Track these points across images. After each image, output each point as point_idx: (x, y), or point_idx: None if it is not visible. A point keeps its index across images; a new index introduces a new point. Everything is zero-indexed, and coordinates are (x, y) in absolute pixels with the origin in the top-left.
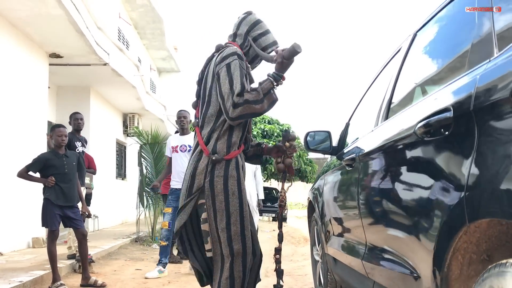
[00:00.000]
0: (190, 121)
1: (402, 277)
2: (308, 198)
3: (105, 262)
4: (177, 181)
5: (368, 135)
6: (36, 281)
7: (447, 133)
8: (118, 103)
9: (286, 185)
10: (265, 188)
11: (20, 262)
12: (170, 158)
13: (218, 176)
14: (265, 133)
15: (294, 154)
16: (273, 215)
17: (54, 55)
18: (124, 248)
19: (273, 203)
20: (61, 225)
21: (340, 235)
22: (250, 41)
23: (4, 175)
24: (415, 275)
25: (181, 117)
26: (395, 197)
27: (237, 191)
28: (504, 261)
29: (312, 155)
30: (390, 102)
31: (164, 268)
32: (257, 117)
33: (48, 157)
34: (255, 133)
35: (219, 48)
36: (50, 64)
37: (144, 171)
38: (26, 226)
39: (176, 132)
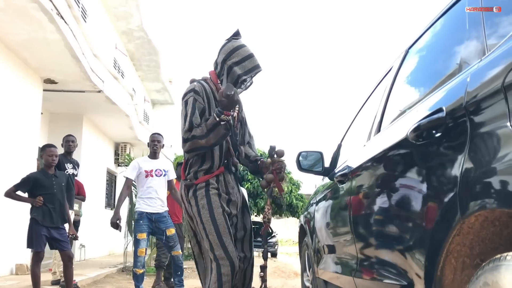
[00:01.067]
0: (163, 145)
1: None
2: (300, 222)
3: None
4: (149, 205)
5: (360, 150)
6: None
7: (439, 134)
8: (110, 131)
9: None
10: (255, 223)
11: None
12: (131, 181)
13: (190, 197)
14: None
15: (286, 169)
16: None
17: (49, 81)
18: (110, 277)
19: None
20: (47, 248)
21: (331, 254)
22: (225, 69)
23: None
24: (408, 283)
25: (154, 141)
26: (387, 205)
27: (206, 205)
28: (498, 255)
29: (303, 191)
30: (382, 117)
31: None
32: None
33: (37, 176)
34: None
35: (192, 82)
36: (44, 90)
37: (134, 199)
38: (9, 252)
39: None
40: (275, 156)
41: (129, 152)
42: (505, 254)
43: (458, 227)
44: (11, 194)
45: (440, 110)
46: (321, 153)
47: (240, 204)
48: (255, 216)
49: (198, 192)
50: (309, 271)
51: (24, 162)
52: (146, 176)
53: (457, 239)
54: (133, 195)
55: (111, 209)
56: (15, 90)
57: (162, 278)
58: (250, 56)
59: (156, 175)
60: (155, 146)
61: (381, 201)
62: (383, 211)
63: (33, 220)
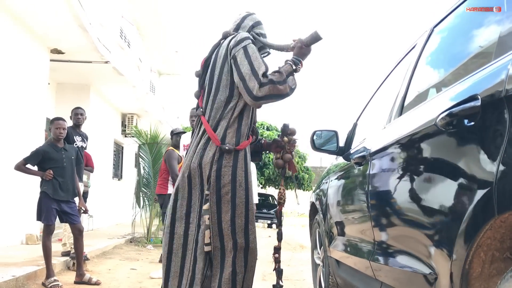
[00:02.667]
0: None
1: (414, 276)
2: (311, 200)
3: (100, 261)
4: None
5: (380, 132)
6: (30, 276)
7: (472, 123)
8: (117, 102)
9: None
10: (261, 194)
11: (13, 257)
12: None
13: (226, 166)
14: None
15: (295, 151)
16: (269, 221)
17: (56, 51)
18: (118, 248)
19: (269, 210)
20: (57, 221)
21: (346, 236)
22: (254, 35)
23: (0, 171)
24: (431, 273)
25: (192, 116)
26: (411, 192)
27: (244, 183)
28: None
29: (309, 163)
30: (404, 99)
31: None
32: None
33: (47, 150)
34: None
35: (226, 35)
36: (51, 60)
37: (142, 171)
38: (20, 223)
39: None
40: (290, 134)
41: (136, 123)
42: None
43: (492, 222)
44: (20, 167)
45: (474, 98)
46: (336, 132)
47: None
48: (261, 188)
49: (239, 162)
50: (319, 249)
51: (32, 133)
52: (184, 150)
53: (488, 233)
54: (141, 168)
55: (118, 180)
56: (22, 59)
57: None
58: (266, 36)
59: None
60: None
61: (404, 188)
62: (406, 199)
63: (43, 194)
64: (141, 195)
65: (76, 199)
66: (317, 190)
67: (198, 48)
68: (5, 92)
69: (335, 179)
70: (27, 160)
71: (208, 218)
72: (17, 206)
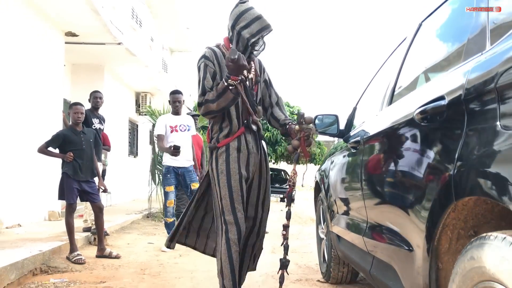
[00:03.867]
0: (184, 101)
1: (398, 251)
2: (315, 179)
3: (119, 236)
4: (175, 159)
5: (373, 120)
6: (55, 251)
7: (441, 119)
8: (131, 82)
9: (302, 167)
10: (273, 170)
11: (38, 233)
12: (162, 136)
13: (214, 159)
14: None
15: (315, 136)
16: (281, 195)
17: (70, 34)
18: (136, 223)
19: (281, 184)
20: (78, 200)
21: (344, 213)
22: (235, 35)
23: (21, 150)
24: (409, 248)
25: (176, 101)
26: (394, 178)
27: (225, 170)
28: (484, 234)
29: (321, 138)
30: (394, 89)
31: None
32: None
33: (67, 133)
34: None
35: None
36: (66, 43)
37: (156, 149)
38: (42, 200)
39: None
40: (304, 123)
41: (150, 102)
42: (489, 233)
43: (453, 206)
44: (43, 150)
45: (442, 97)
46: (336, 116)
47: (258, 166)
48: (273, 163)
49: (220, 156)
50: (323, 224)
51: (50, 113)
52: (171, 132)
53: (452, 215)
54: (156, 147)
55: (134, 157)
56: (37, 43)
57: None
58: (258, 18)
59: (181, 130)
60: (176, 106)
61: (388, 174)
62: (389, 183)
63: (64, 174)
64: (156, 172)
65: (96, 179)
66: (321, 170)
67: (209, 24)
68: (23, 75)
69: (336, 160)
70: (48, 144)
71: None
72: (39, 185)
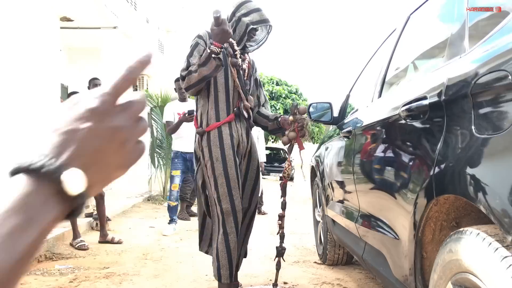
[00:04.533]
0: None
1: (387, 239)
2: (311, 163)
3: (120, 220)
4: (182, 144)
5: (364, 111)
6: (58, 237)
7: (424, 118)
8: (127, 64)
9: (293, 156)
10: (272, 149)
11: None
12: (171, 122)
13: (203, 146)
14: (273, 94)
15: (309, 126)
16: (280, 175)
17: (65, 19)
18: (137, 206)
19: (281, 163)
20: None
21: (338, 200)
22: (235, 21)
23: (19, 138)
24: (396, 237)
25: (181, 88)
26: (382, 170)
27: (220, 157)
28: (461, 229)
29: None
30: (383, 81)
31: (176, 224)
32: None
33: None
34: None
35: None
36: (61, 28)
37: (155, 133)
38: None
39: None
40: (297, 113)
41: (147, 83)
42: (466, 228)
43: (434, 201)
44: None
45: (425, 97)
46: (330, 104)
47: (247, 153)
48: (272, 142)
49: (213, 142)
50: (319, 207)
51: (47, 99)
52: (179, 118)
53: (435, 208)
54: (154, 130)
55: None
56: (32, 28)
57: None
58: (258, 10)
59: None
60: (182, 93)
61: (377, 166)
62: (378, 174)
63: None
64: (155, 155)
65: None
66: (316, 155)
67: (204, 3)
68: (18, 62)
69: (330, 147)
70: None
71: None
72: None
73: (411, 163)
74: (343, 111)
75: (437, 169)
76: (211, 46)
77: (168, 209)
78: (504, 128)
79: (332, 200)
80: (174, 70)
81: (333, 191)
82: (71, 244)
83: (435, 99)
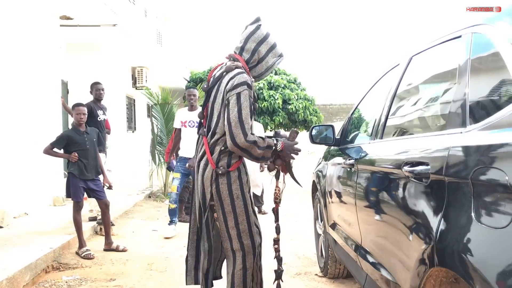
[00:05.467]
0: (198, 97)
1: (388, 281)
2: (312, 177)
3: (123, 222)
4: (185, 150)
5: (366, 146)
6: (64, 246)
7: (426, 182)
8: (127, 57)
9: (281, 184)
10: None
11: (45, 224)
12: (179, 130)
13: (222, 183)
14: (271, 84)
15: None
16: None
17: (65, 17)
18: (139, 205)
19: None
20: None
21: (340, 224)
22: (257, 58)
23: (22, 137)
24: (398, 285)
25: (190, 95)
26: (384, 219)
27: (241, 195)
28: None
29: (319, 102)
30: (385, 122)
31: (175, 226)
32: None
33: (71, 134)
34: (261, 84)
35: (229, 70)
36: (60, 26)
37: (155, 130)
38: (46, 186)
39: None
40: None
41: (146, 76)
42: None
43: (433, 269)
44: (49, 151)
45: (427, 163)
46: (332, 126)
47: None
48: (270, 131)
49: (233, 180)
50: (320, 221)
51: (48, 97)
52: (182, 126)
53: (434, 269)
54: (154, 127)
55: (132, 132)
56: (33, 27)
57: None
58: (276, 45)
59: (189, 125)
60: (191, 99)
61: (379, 212)
62: (381, 220)
63: (71, 174)
64: (156, 152)
65: (101, 177)
66: (317, 169)
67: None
68: (20, 60)
69: (331, 167)
70: (53, 145)
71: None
72: (42, 172)
73: (413, 225)
74: (345, 133)
75: (437, 241)
76: (278, 143)
77: (168, 211)
78: (502, 225)
79: (334, 221)
80: (172, 62)
81: (335, 213)
82: (77, 253)
83: (437, 169)
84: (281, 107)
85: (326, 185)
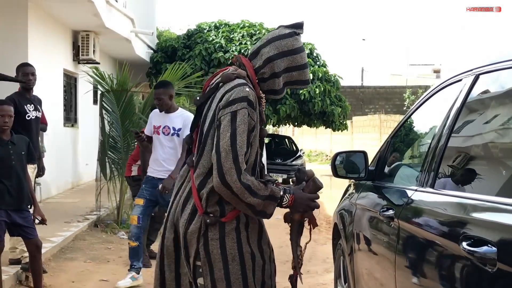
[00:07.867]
0: (171, 96)
1: None
2: (333, 219)
3: (58, 266)
4: (155, 169)
5: (411, 194)
6: None
7: (491, 270)
8: (66, 19)
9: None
10: (275, 136)
11: None
12: (150, 137)
13: (212, 239)
14: None
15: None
16: (284, 176)
17: None
18: (81, 239)
19: (285, 160)
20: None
21: None
22: (270, 69)
23: None
24: None
25: (156, 99)
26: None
27: (237, 256)
28: None
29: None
30: (440, 161)
31: (138, 274)
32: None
33: None
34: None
35: (226, 79)
36: None
37: (107, 128)
38: None
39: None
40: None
41: (93, 45)
42: None
43: None
44: None
45: (492, 243)
46: (364, 153)
47: None
48: (273, 126)
49: (227, 234)
50: (343, 281)
51: None
52: (153, 133)
53: None
54: (106, 124)
55: (72, 126)
56: None
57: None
58: (305, 67)
59: (164, 133)
60: (158, 104)
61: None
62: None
63: None
64: (107, 160)
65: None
66: (341, 208)
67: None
68: None
69: (362, 210)
70: None
71: None
72: None
73: None
74: (382, 163)
75: None
76: (286, 196)
77: (129, 249)
78: None
79: (363, 285)
80: (134, 24)
81: (364, 277)
82: None
83: (507, 255)
84: (289, 92)
85: (354, 233)
